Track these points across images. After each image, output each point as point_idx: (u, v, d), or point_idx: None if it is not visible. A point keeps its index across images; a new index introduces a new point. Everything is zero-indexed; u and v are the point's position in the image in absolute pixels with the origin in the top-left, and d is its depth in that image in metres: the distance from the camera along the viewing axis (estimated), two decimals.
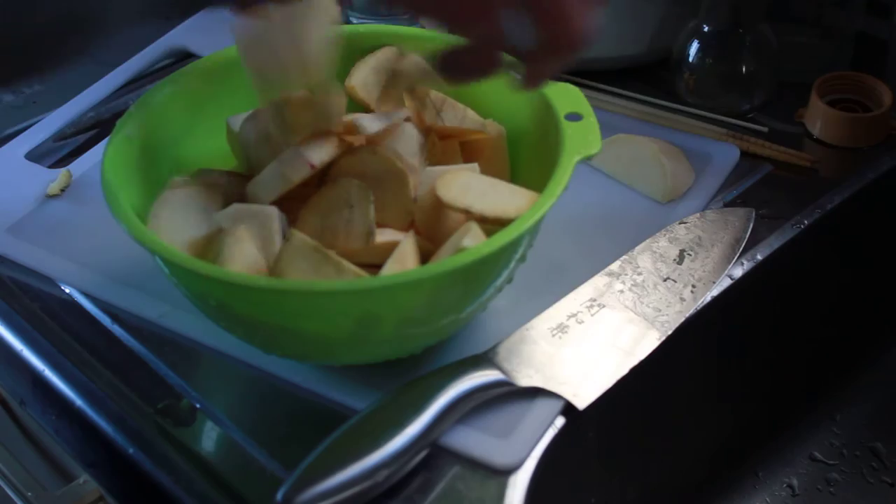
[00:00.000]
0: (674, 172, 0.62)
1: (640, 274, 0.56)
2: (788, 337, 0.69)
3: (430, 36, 0.58)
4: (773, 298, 0.64)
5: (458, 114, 0.53)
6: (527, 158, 0.53)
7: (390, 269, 0.46)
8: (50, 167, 0.68)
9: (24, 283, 0.59)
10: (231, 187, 0.51)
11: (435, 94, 0.52)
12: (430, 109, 0.52)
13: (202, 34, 0.79)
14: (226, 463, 0.49)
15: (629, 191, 0.63)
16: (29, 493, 0.73)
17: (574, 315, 0.53)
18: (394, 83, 0.54)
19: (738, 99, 0.71)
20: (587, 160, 0.49)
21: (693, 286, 0.56)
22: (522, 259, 0.49)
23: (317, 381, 0.51)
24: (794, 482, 0.68)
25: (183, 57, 0.78)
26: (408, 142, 0.51)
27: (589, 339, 0.52)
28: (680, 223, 0.59)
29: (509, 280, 0.49)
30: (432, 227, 0.49)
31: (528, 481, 0.47)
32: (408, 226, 0.50)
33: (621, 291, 0.55)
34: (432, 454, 0.47)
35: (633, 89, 0.72)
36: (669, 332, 0.53)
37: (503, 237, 0.44)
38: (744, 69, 0.70)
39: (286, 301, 0.45)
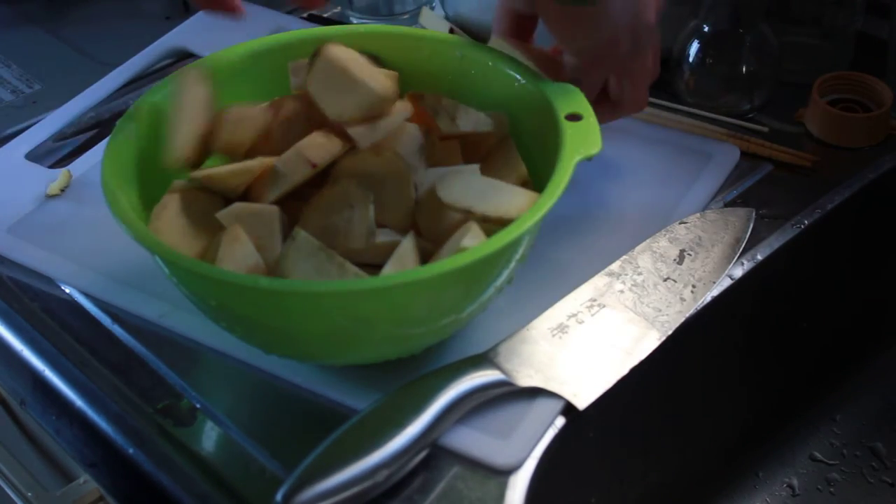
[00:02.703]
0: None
1: (640, 274, 0.56)
2: (788, 337, 0.69)
3: (429, 36, 0.58)
4: (773, 298, 0.64)
5: (471, 118, 0.53)
6: (527, 158, 0.53)
7: (390, 269, 0.46)
8: (50, 167, 0.68)
9: (24, 283, 0.59)
10: None
11: (447, 101, 0.52)
12: (445, 117, 0.52)
13: (202, 34, 0.79)
14: (226, 463, 0.49)
15: (629, 190, 0.63)
16: (29, 493, 0.73)
17: (574, 315, 0.53)
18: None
19: (738, 99, 0.71)
20: (587, 160, 0.49)
21: (693, 286, 0.56)
22: (522, 259, 0.49)
23: (317, 381, 0.51)
24: (794, 482, 0.68)
25: (183, 57, 0.78)
26: (408, 142, 0.51)
27: (589, 339, 0.52)
28: (680, 223, 0.59)
29: (509, 280, 0.49)
30: (432, 227, 0.49)
31: (528, 481, 0.47)
32: (408, 226, 0.50)
33: (621, 291, 0.55)
34: (432, 454, 0.47)
35: None
36: (669, 332, 0.53)
37: (503, 237, 0.44)
38: (744, 69, 0.70)
39: (286, 301, 0.45)
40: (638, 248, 0.58)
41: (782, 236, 0.61)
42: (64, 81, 0.77)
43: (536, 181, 0.52)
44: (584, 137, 0.49)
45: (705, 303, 0.56)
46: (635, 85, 0.57)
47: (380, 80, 0.51)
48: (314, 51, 0.51)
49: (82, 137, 0.72)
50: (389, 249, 0.47)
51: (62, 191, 0.65)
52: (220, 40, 0.61)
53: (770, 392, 0.70)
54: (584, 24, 0.51)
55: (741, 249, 0.59)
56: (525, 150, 0.53)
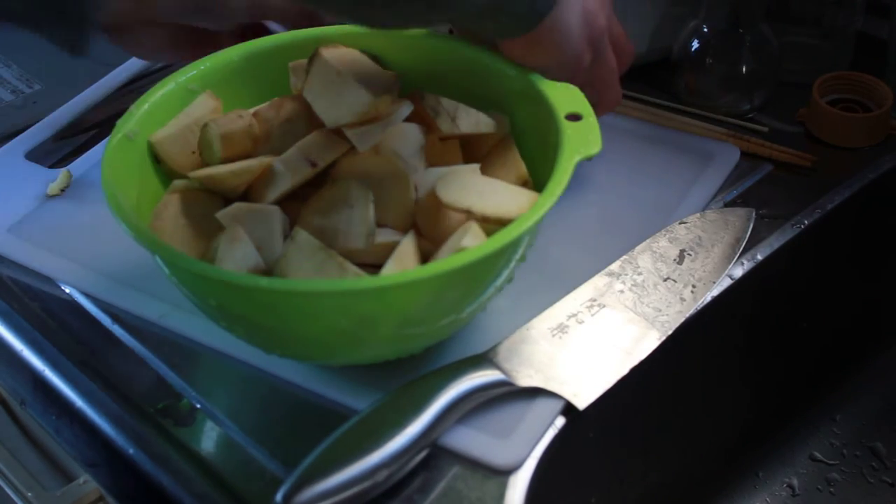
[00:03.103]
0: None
1: (640, 274, 0.56)
2: (788, 337, 0.69)
3: (429, 36, 0.58)
4: (773, 298, 0.64)
5: (471, 118, 0.53)
6: (527, 158, 0.53)
7: (390, 269, 0.46)
8: (50, 167, 0.68)
9: (24, 283, 0.59)
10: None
11: (447, 102, 0.52)
12: (445, 117, 0.52)
13: None
14: (226, 463, 0.49)
15: (629, 191, 0.63)
16: (29, 493, 0.73)
17: (574, 315, 0.53)
18: None
19: (738, 99, 0.71)
20: (587, 160, 0.49)
21: (693, 286, 0.56)
22: (522, 259, 0.49)
23: (317, 381, 0.51)
24: (794, 482, 0.68)
25: None
26: (408, 142, 0.51)
27: (589, 339, 0.52)
28: (680, 223, 0.59)
29: (509, 280, 0.49)
30: (432, 227, 0.49)
31: (528, 481, 0.47)
32: (408, 226, 0.50)
33: (621, 291, 0.55)
34: (432, 454, 0.47)
35: (633, 89, 0.71)
36: (669, 332, 0.53)
37: (503, 237, 0.44)
38: (744, 69, 0.70)
39: (286, 301, 0.45)
40: (638, 248, 0.58)
41: (782, 236, 0.61)
42: (64, 81, 0.77)
43: (536, 181, 0.52)
44: (584, 137, 0.49)
45: (705, 303, 0.56)
46: (605, 86, 0.58)
47: (376, 82, 0.51)
48: (311, 55, 0.51)
49: (82, 137, 0.72)
50: (389, 249, 0.47)
51: (62, 191, 0.65)
52: None
53: (770, 392, 0.70)
54: (544, 49, 0.52)
55: (741, 249, 0.59)
56: (525, 150, 0.53)
